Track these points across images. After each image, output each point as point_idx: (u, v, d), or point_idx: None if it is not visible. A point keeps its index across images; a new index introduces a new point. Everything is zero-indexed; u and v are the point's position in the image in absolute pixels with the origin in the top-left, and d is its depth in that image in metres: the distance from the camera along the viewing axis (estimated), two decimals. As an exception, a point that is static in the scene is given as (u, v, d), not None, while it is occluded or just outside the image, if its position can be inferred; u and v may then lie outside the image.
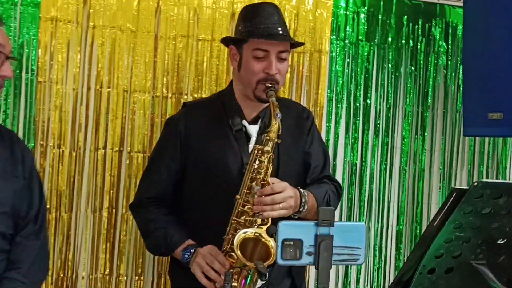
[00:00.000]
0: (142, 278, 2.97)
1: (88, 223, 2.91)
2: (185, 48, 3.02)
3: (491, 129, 2.96)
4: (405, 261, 1.81)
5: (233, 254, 2.28)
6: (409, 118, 3.39)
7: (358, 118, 3.31)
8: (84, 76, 2.89)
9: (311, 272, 3.19)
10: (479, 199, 1.67)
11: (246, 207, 2.32)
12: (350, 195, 3.31)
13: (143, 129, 2.97)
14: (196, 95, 3.04)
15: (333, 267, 3.27)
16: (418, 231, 3.41)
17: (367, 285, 3.33)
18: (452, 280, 1.85)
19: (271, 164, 2.33)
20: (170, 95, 3.01)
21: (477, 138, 3.48)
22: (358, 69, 3.31)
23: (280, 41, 2.43)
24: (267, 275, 2.11)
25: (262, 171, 2.31)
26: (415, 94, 3.40)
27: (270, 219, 2.31)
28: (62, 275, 2.87)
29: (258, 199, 2.28)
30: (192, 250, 2.39)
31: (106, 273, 2.93)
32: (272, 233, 2.14)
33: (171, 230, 2.46)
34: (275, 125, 2.34)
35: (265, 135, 2.35)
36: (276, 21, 2.46)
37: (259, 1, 2.72)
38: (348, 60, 3.29)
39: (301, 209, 2.39)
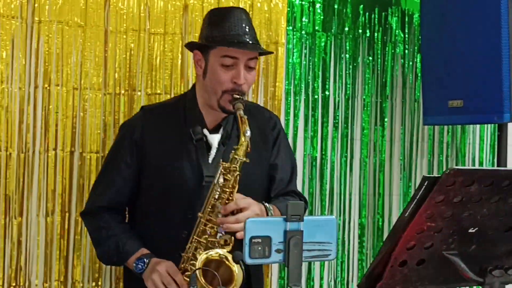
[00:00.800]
0: (99, 283, 2.85)
1: (40, 228, 2.77)
2: (136, 42, 2.91)
3: (452, 117, 2.93)
4: (376, 254, 1.74)
5: (190, 273, 2.19)
6: (368, 108, 3.35)
7: (317, 110, 3.25)
8: (30, 74, 2.76)
9: (274, 270, 3.11)
10: (451, 187, 1.61)
11: (208, 226, 2.23)
12: (311, 189, 3.24)
13: (95, 128, 2.85)
14: (149, 91, 2.92)
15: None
16: (380, 223, 3.37)
17: (331, 280, 3.28)
18: (424, 271, 1.79)
19: (237, 184, 2.23)
20: (122, 91, 2.89)
21: (436, 127, 3.46)
22: (316, 60, 3.24)
23: (251, 50, 2.32)
24: None
25: (228, 190, 2.21)
26: (373, 84, 3.35)
27: (232, 239, 2.22)
28: (14, 284, 2.73)
29: (221, 219, 2.19)
30: (147, 261, 2.29)
31: (61, 280, 2.80)
32: (238, 260, 2.05)
33: (124, 238, 2.35)
34: (244, 143, 2.23)
35: (233, 152, 2.24)
36: (246, 28, 2.34)
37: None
38: (305, 51, 3.23)
39: None
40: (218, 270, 2.17)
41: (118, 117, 2.87)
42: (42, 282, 2.77)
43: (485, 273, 1.78)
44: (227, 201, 2.23)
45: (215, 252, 2.18)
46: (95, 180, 2.53)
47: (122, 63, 2.89)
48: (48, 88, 2.78)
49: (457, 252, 1.77)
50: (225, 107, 2.34)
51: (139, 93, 2.91)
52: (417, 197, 1.62)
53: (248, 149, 2.25)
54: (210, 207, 2.24)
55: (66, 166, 2.80)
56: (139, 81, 2.91)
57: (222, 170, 2.24)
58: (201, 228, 2.24)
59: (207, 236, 2.23)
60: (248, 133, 2.23)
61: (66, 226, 2.80)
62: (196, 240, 2.24)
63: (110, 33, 2.87)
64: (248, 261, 1.44)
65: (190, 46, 2.47)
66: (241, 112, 2.27)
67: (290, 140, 3.17)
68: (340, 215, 3.30)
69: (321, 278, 3.26)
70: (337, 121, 3.29)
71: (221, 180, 2.23)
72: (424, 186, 1.60)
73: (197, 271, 2.10)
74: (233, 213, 2.23)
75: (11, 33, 2.72)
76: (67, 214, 2.81)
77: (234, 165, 2.23)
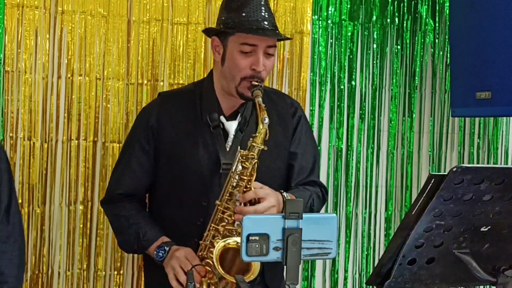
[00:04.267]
0: (121, 272, 2.87)
1: (62, 217, 2.80)
2: (159, 32, 2.90)
3: (480, 109, 2.85)
4: (383, 252, 1.71)
5: (209, 261, 2.18)
6: (396, 99, 3.28)
7: (342, 101, 3.20)
8: (54, 64, 2.78)
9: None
10: (459, 185, 1.56)
11: (226, 214, 2.21)
12: (336, 182, 3.20)
13: (117, 118, 2.86)
14: (172, 81, 2.92)
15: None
16: (407, 216, 3.30)
17: (355, 273, 3.24)
18: (434, 270, 1.75)
19: (255, 172, 2.20)
20: (145, 82, 2.89)
21: (466, 118, 3.37)
22: (342, 50, 3.19)
23: (270, 37, 2.27)
24: None
25: (246, 178, 2.18)
26: (401, 74, 3.28)
27: None
28: (37, 272, 2.77)
29: (239, 208, 2.16)
30: (167, 248, 2.28)
31: (83, 268, 2.83)
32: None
33: (144, 227, 2.35)
34: (262, 130, 2.19)
35: (251, 140, 2.20)
36: (265, 14, 2.29)
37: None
38: (331, 41, 3.17)
39: None
40: (236, 258, 2.16)
41: (141, 107, 2.87)
42: (64, 270, 2.80)
43: (498, 273, 1.73)
44: (245, 190, 2.20)
45: (232, 241, 2.16)
46: (114, 166, 2.52)
47: (145, 53, 2.88)
48: (71, 78, 2.80)
49: (469, 251, 1.72)
50: (244, 93, 2.30)
51: (161, 83, 2.91)
52: (424, 195, 1.57)
53: (267, 137, 2.22)
54: (227, 195, 2.21)
55: (89, 156, 2.82)
56: (162, 71, 2.91)
57: (240, 158, 2.21)
58: (218, 216, 2.22)
59: (224, 224, 2.21)
60: (267, 120, 2.20)
61: (89, 215, 2.83)
62: (213, 228, 2.22)
63: (133, 23, 2.87)
64: (245, 258, 1.42)
65: (208, 32, 2.44)
66: (260, 99, 2.24)
67: (315, 131, 3.13)
68: (366, 208, 3.25)
69: (346, 271, 3.22)
70: (363, 112, 3.23)
71: (239, 167, 2.21)
72: (430, 184, 1.55)
73: (214, 261, 2.08)
74: (251, 202, 2.21)
75: (34, 23, 2.74)
76: (89, 203, 2.83)
77: (252, 153, 2.20)
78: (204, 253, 2.23)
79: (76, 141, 2.81)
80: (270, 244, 1.43)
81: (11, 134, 2.72)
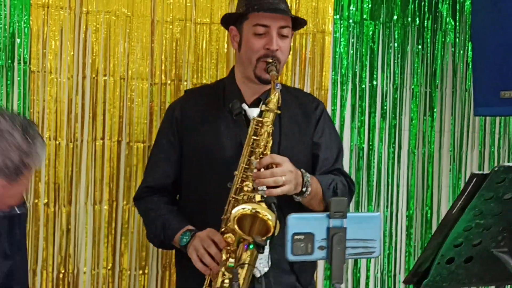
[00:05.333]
0: (146, 271, 2.88)
1: (88, 216, 2.81)
2: (183, 32, 2.91)
3: (504, 108, 2.85)
4: (422, 251, 1.71)
5: (230, 234, 2.17)
6: (417, 98, 3.28)
7: (364, 100, 3.20)
8: (79, 64, 2.79)
9: (319, 267, 3.09)
10: (501, 184, 1.56)
11: (245, 183, 2.21)
12: (358, 180, 3.20)
13: (142, 118, 2.87)
14: (195, 81, 2.93)
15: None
16: (429, 215, 3.31)
17: (377, 272, 3.24)
18: (472, 269, 1.75)
19: (270, 137, 2.22)
20: (169, 81, 2.90)
21: (487, 117, 3.37)
22: (363, 50, 3.19)
23: (281, 14, 2.32)
24: (265, 248, 1.98)
25: (262, 144, 2.20)
26: (422, 73, 3.28)
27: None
28: (63, 271, 2.78)
29: (256, 173, 2.17)
30: (191, 234, 2.30)
31: (108, 267, 2.83)
32: (270, 203, 2.02)
33: (170, 217, 2.38)
34: (275, 95, 2.23)
35: (264, 105, 2.24)
36: None
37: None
38: (352, 40, 3.18)
39: (303, 189, 2.26)
40: (254, 223, 2.14)
41: (164, 107, 2.88)
42: (90, 269, 2.81)
43: (535, 272, 1.73)
44: (261, 156, 2.21)
45: (247, 207, 2.13)
46: (146, 164, 2.58)
47: (169, 53, 2.89)
48: (95, 78, 2.81)
49: (507, 250, 1.72)
50: (261, 76, 2.35)
51: (185, 83, 2.91)
52: (465, 194, 1.58)
53: (279, 103, 2.24)
54: (245, 164, 2.22)
55: (114, 155, 2.83)
56: (185, 71, 2.91)
57: (255, 124, 2.23)
58: (237, 186, 2.23)
59: (244, 194, 2.21)
60: (278, 85, 2.24)
61: (114, 215, 2.84)
62: (233, 199, 2.22)
63: (157, 23, 2.87)
64: (291, 258, 1.43)
65: (225, 23, 2.47)
66: (274, 72, 2.28)
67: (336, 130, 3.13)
68: (387, 207, 3.25)
69: (368, 270, 3.23)
70: (384, 111, 3.23)
71: (255, 135, 2.22)
72: (472, 183, 1.55)
73: (232, 223, 2.07)
74: (268, 168, 2.21)
75: (59, 24, 2.75)
76: (114, 203, 2.84)
77: (266, 118, 2.22)
78: (225, 226, 2.23)
79: (101, 141, 2.82)
80: (315, 243, 1.44)
81: (37, 134, 2.72)
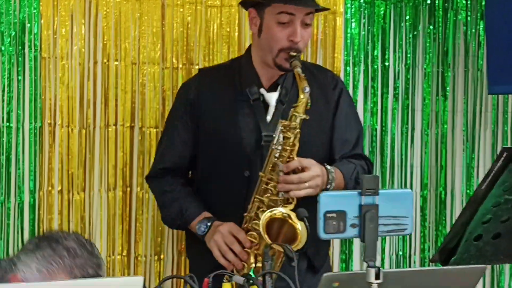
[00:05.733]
0: (161, 257, 2.86)
1: (102, 203, 2.79)
2: (193, 15, 2.87)
3: (519, 85, 2.83)
4: (450, 228, 1.69)
5: (253, 233, 2.17)
6: (429, 78, 3.25)
7: (376, 81, 3.17)
8: (89, 50, 2.76)
9: (335, 249, 3.07)
10: (532, 158, 1.54)
11: (270, 185, 2.20)
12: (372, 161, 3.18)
13: (154, 103, 2.84)
14: (207, 64, 2.89)
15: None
16: (443, 196, 3.29)
17: (392, 254, 3.22)
18: (500, 245, 1.74)
19: (298, 142, 2.19)
20: (180, 65, 2.87)
21: (499, 97, 3.34)
22: (375, 30, 3.16)
23: (307, 7, 2.26)
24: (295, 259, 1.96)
25: (288, 148, 2.17)
26: (434, 53, 3.25)
27: (295, 199, 2.19)
28: None
29: (283, 177, 2.16)
30: (209, 224, 2.29)
31: (124, 254, 2.82)
32: (302, 216, 2.01)
33: (187, 202, 2.36)
34: (303, 99, 2.18)
35: (292, 110, 2.20)
36: None
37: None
38: (364, 20, 3.14)
39: (328, 187, 2.26)
40: (282, 228, 2.14)
41: (177, 91, 2.85)
42: (105, 256, 2.80)
43: None
44: (288, 160, 2.19)
45: (278, 211, 2.14)
46: (158, 143, 2.55)
47: (180, 37, 2.86)
48: (107, 63, 2.78)
49: (536, 226, 1.71)
50: (282, 65, 2.30)
51: (196, 66, 2.88)
52: (494, 169, 1.56)
53: (308, 106, 2.21)
54: (271, 166, 2.21)
55: (126, 141, 2.81)
56: (197, 55, 2.88)
57: (282, 128, 2.21)
58: (262, 187, 2.21)
59: (269, 195, 2.20)
60: (307, 89, 2.20)
61: (128, 201, 2.82)
62: (257, 200, 2.21)
63: (167, 6, 2.84)
64: (323, 236, 1.41)
65: (245, 4, 2.42)
66: (299, 69, 2.23)
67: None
68: (401, 188, 3.23)
69: (383, 251, 3.21)
70: (397, 92, 3.21)
71: (281, 138, 2.20)
72: (502, 158, 1.53)
73: (261, 229, 2.07)
74: (294, 172, 2.20)
75: (69, 9, 2.72)
76: (128, 189, 2.82)
77: (294, 123, 2.20)
78: (249, 225, 2.22)
79: (114, 127, 2.79)
80: (347, 221, 1.42)
81: (49, 121, 2.70)
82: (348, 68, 3.12)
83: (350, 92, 3.13)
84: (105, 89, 2.78)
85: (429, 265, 3.06)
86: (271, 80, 2.38)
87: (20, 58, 2.65)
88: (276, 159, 2.20)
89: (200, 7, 2.88)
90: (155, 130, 2.83)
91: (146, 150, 2.83)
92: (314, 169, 2.21)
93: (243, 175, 2.30)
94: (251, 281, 1.37)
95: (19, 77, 2.66)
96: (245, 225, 2.24)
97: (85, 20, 2.74)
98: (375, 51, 3.16)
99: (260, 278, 1.52)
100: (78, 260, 1.57)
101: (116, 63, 2.79)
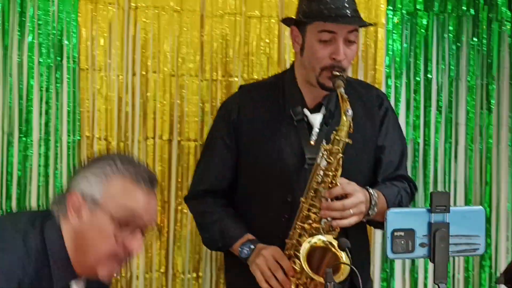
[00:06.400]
0: (200, 274, 2.79)
1: (139, 218, 2.72)
2: (232, 26, 2.82)
3: None
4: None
5: (296, 259, 2.11)
6: (473, 91, 3.16)
7: (419, 94, 3.08)
8: (128, 61, 2.71)
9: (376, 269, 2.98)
10: None
11: (312, 211, 2.13)
12: (414, 177, 3.08)
13: (192, 116, 2.78)
14: (246, 76, 2.83)
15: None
16: (488, 212, 3.18)
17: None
18: None
19: (340, 166, 2.11)
20: (219, 78, 2.81)
21: (545, 110, 3.24)
22: (417, 42, 3.08)
23: (347, 24, 2.18)
24: None
25: (331, 173, 2.10)
26: (478, 65, 3.16)
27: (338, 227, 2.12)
28: (116, 275, 2.69)
29: (327, 204, 2.09)
30: (252, 246, 2.21)
31: (161, 271, 2.75)
32: (344, 247, 1.93)
33: (228, 224, 2.29)
34: (346, 123, 2.10)
35: (334, 133, 2.12)
36: (345, 1, 2.20)
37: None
38: (406, 32, 3.06)
39: (370, 212, 2.17)
40: (324, 257, 2.07)
41: (216, 104, 2.79)
42: (143, 273, 2.73)
43: None
44: (330, 185, 2.12)
45: (317, 239, 2.07)
46: (197, 164, 2.48)
47: (218, 48, 2.80)
48: (145, 75, 2.72)
49: None
50: (325, 84, 2.22)
51: (235, 78, 2.82)
52: None
53: (351, 129, 2.13)
54: (312, 191, 2.14)
55: (165, 155, 2.75)
56: (236, 67, 2.82)
57: (324, 153, 2.13)
58: (304, 213, 2.15)
59: (311, 222, 2.13)
60: (350, 112, 2.11)
61: (166, 216, 2.75)
62: (299, 226, 2.15)
63: (206, 17, 2.78)
64: (391, 256, 1.33)
65: (288, 21, 2.35)
66: (342, 90, 2.15)
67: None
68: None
69: (426, 271, 3.10)
70: (440, 105, 3.12)
71: (324, 163, 2.12)
72: None
73: (302, 261, 2.00)
74: (337, 198, 2.12)
75: (108, 20, 2.67)
76: (166, 204, 2.75)
77: (336, 147, 2.12)
78: (292, 251, 2.15)
79: (152, 140, 2.73)
80: (416, 240, 1.33)
81: (87, 134, 2.65)
82: (389, 81, 3.04)
83: (392, 105, 3.05)
84: (143, 101, 2.72)
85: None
86: (315, 101, 2.30)
87: (58, 70, 2.61)
88: (318, 185, 2.12)
89: (240, 18, 2.82)
90: (194, 143, 2.77)
91: (185, 164, 2.76)
92: (358, 195, 2.13)
93: (286, 200, 2.23)
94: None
95: (58, 89, 2.61)
96: (287, 252, 2.17)
97: (123, 31, 2.69)
98: (418, 64, 3.08)
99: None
100: (131, 167, 1.59)
101: (155, 74, 2.73)
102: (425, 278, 3.11)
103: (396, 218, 1.33)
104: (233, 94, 2.49)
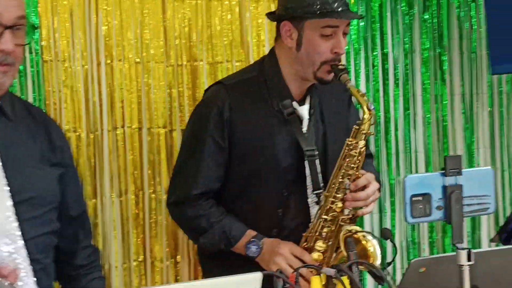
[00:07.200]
0: (178, 260, 2.78)
1: (114, 209, 2.69)
2: (194, 10, 2.80)
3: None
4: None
5: (316, 253, 2.14)
6: (427, 63, 3.25)
7: (377, 68, 3.16)
8: (92, 51, 2.65)
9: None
10: None
11: (334, 203, 2.15)
12: (376, 148, 3.17)
13: (160, 102, 2.75)
14: (210, 60, 2.82)
15: (366, 221, 3.16)
16: (447, 178, 3.29)
17: (402, 240, 3.22)
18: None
19: (362, 158, 2.15)
20: (184, 62, 2.79)
21: (494, 78, 3.37)
22: (372, 17, 3.14)
23: (353, 19, 2.25)
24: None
25: (354, 166, 2.14)
26: (430, 37, 3.25)
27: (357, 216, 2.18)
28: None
29: (353, 195, 2.13)
30: (260, 242, 2.19)
31: (139, 259, 2.73)
32: (388, 236, 1.98)
33: (228, 223, 2.24)
34: (369, 117, 2.13)
35: (356, 127, 2.15)
36: None
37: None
38: (361, 8, 3.12)
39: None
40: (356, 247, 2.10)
41: (182, 89, 2.78)
42: (121, 263, 2.70)
43: None
44: (354, 178, 2.15)
45: (357, 229, 2.06)
46: (179, 166, 2.33)
47: (182, 33, 2.78)
48: (110, 63, 2.68)
49: None
50: (323, 77, 2.22)
51: (201, 63, 2.81)
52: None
53: (374, 121, 2.17)
54: (337, 184, 2.16)
55: (135, 143, 2.72)
56: (200, 51, 2.81)
57: (347, 147, 2.15)
58: (328, 206, 2.16)
59: (334, 213, 2.15)
60: (372, 106, 2.15)
61: (141, 205, 2.73)
62: (323, 219, 2.16)
63: (168, 2, 2.76)
64: (410, 220, 1.38)
65: (278, 17, 2.28)
66: (353, 85, 2.19)
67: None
68: (407, 173, 3.23)
69: (392, 237, 3.19)
70: (397, 78, 3.20)
71: (347, 157, 2.15)
72: None
73: (341, 244, 2.00)
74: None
75: (69, 9, 2.61)
76: (140, 192, 2.73)
77: (359, 140, 2.15)
78: (310, 244, 2.17)
79: (122, 129, 2.70)
80: (433, 204, 1.38)
81: (55, 127, 2.59)
82: (349, 56, 3.10)
83: (353, 80, 3.11)
84: (110, 90, 2.68)
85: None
86: (302, 93, 2.30)
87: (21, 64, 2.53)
88: (342, 178, 2.14)
89: (201, 1, 2.80)
90: (163, 130, 2.75)
91: (156, 151, 2.74)
92: (374, 183, 2.19)
93: (281, 195, 2.24)
94: (342, 272, 1.32)
95: (22, 83, 2.54)
96: (305, 245, 2.17)
97: (85, 19, 2.63)
98: (374, 39, 3.15)
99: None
100: None
101: (120, 63, 2.69)
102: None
103: (414, 183, 1.37)
104: (214, 91, 2.33)
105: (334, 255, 2.09)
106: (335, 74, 2.18)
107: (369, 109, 2.12)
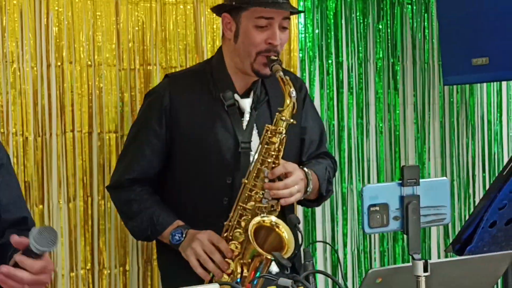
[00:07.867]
0: (127, 268, 2.72)
1: (62, 215, 2.61)
2: (148, 13, 2.75)
3: (475, 75, 2.89)
4: (468, 218, 1.68)
5: (235, 242, 2.11)
6: (381, 72, 3.27)
7: (331, 76, 3.16)
8: (42, 52, 2.58)
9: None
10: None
11: (253, 192, 2.13)
12: (330, 157, 3.16)
13: (111, 106, 2.69)
14: (164, 64, 2.78)
15: (318, 229, 3.16)
16: (399, 188, 3.31)
17: (354, 249, 3.22)
18: (510, 231, 1.74)
19: (282, 146, 2.14)
20: (137, 66, 2.74)
21: (445, 89, 3.41)
22: (327, 26, 3.14)
23: (287, 10, 2.22)
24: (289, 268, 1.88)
25: (274, 153, 2.13)
26: (384, 47, 3.27)
27: (279, 206, 2.14)
28: (40, 276, 2.57)
29: (269, 185, 2.11)
30: (184, 231, 2.19)
31: (87, 267, 2.65)
32: (295, 222, 1.95)
33: (158, 211, 2.25)
34: (290, 104, 2.13)
35: (278, 114, 2.15)
36: None
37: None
38: (317, 16, 3.12)
39: (308, 190, 2.23)
40: (268, 237, 2.09)
41: (135, 93, 2.73)
42: (68, 271, 2.62)
43: None
44: (273, 165, 2.14)
45: (267, 218, 2.08)
46: (122, 152, 2.40)
47: (135, 36, 2.73)
48: (61, 65, 2.61)
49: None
50: (260, 71, 2.25)
51: (154, 67, 2.76)
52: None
53: (295, 110, 2.16)
54: (255, 172, 2.15)
55: (85, 148, 2.65)
56: (153, 55, 2.76)
57: (268, 134, 2.15)
58: (246, 194, 2.15)
59: (253, 203, 2.13)
60: (294, 93, 2.15)
61: (90, 211, 2.66)
62: (241, 207, 2.15)
63: (121, 4, 2.70)
64: (368, 230, 1.36)
65: (219, 9, 2.34)
66: (281, 73, 2.18)
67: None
68: (360, 183, 3.24)
69: (345, 247, 3.20)
70: (351, 86, 3.21)
71: (267, 144, 2.14)
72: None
73: (250, 236, 2.00)
74: (279, 178, 2.15)
75: (18, 9, 2.53)
76: (89, 199, 2.66)
77: (280, 128, 2.14)
78: (230, 234, 2.15)
79: (71, 133, 2.62)
80: (390, 214, 1.37)
81: (1, 130, 2.51)
82: (304, 64, 3.09)
83: (307, 87, 3.10)
84: (60, 93, 2.60)
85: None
86: (245, 86, 2.32)
87: (-34, 63, 2.45)
88: (261, 165, 2.13)
89: (155, 4, 2.76)
90: (114, 135, 2.69)
91: (106, 156, 2.68)
92: (298, 173, 2.17)
93: (225, 182, 2.23)
94: (299, 283, 1.29)
95: (-33, 84, 2.45)
96: (226, 234, 2.16)
97: (35, 20, 2.56)
98: (329, 47, 3.15)
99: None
100: None
101: (71, 65, 2.62)
102: (344, 255, 3.20)
103: (372, 193, 1.36)
104: (160, 82, 2.43)
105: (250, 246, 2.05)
106: (267, 64, 2.18)
107: (290, 96, 2.11)
